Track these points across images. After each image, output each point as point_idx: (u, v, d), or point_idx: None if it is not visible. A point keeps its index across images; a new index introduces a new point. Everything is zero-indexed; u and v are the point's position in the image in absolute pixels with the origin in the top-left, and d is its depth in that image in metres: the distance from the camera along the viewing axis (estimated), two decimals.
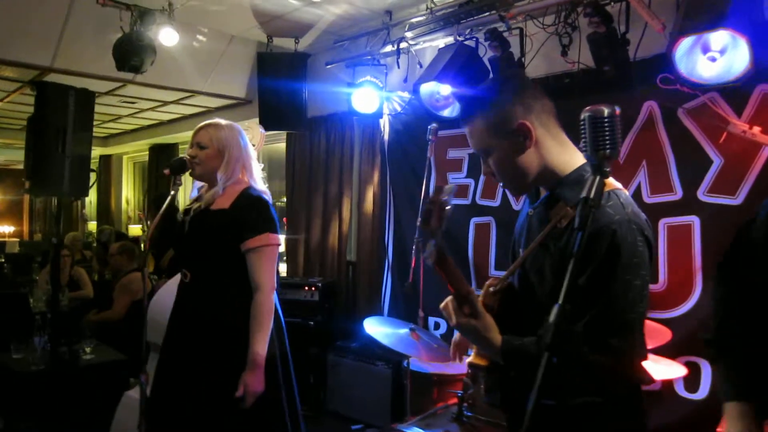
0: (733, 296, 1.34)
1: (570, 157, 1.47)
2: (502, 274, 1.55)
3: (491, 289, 1.49)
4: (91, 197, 10.71)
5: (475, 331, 1.37)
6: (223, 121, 2.52)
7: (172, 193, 2.38)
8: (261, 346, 2.30)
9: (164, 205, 2.35)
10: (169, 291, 2.89)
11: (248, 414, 2.32)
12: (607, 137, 1.06)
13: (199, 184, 2.63)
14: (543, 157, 1.45)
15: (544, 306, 1.38)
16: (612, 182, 1.42)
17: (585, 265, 1.26)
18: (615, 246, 1.29)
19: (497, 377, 1.46)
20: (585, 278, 1.28)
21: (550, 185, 1.48)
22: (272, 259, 2.40)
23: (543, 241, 1.42)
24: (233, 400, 2.28)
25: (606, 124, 1.06)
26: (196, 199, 2.56)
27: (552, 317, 1.02)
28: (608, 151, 1.07)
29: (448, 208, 1.21)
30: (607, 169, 1.08)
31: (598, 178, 1.06)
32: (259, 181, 2.56)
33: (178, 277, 2.63)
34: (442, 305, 1.45)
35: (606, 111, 1.07)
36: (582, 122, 1.10)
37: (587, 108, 1.11)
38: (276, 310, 2.49)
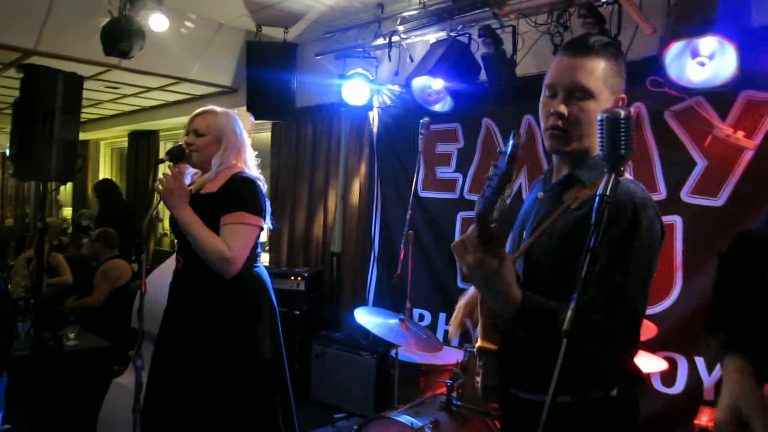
0: (733, 278, 1.40)
1: (597, 145, 1.51)
2: None
3: None
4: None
5: (497, 273, 1.24)
6: (218, 108, 2.49)
7: None
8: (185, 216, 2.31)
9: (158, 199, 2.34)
10: (155, 280, 2.86)
11: (240, 415, 2.30)
12: (622, 138, 1.11)
13: (192, 171, 2.60)
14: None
15: (548, 286, 1.40)
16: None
17: (604, 235, 1.20)
18: (636, 221, 1.34)
19: (499, 367, 1.49)
20: (600, 245, 1.22)
21: (574, 163, 1.51)
22: (245, 235, 2.33)
23: (554, 222, 1.43)
24: (224, 397, 2.27)
25: (622, 126, 1.11)
26: (189, 185, 2.54)
27: (571, 306, 1.07)
28: (623, 151, 1.12)
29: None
30: (622, 168, 1.13)
31: (613, 176, 1.11)
32: (253, 167, 2.55)
33: (168, 263, 2.61)
34: (454, 243, 1.30)
35: (622, 113, 1.12)
36: (600, 123, 1.15)
37: (604, 110, 1.16)
38: (274, 310, 2.49)
